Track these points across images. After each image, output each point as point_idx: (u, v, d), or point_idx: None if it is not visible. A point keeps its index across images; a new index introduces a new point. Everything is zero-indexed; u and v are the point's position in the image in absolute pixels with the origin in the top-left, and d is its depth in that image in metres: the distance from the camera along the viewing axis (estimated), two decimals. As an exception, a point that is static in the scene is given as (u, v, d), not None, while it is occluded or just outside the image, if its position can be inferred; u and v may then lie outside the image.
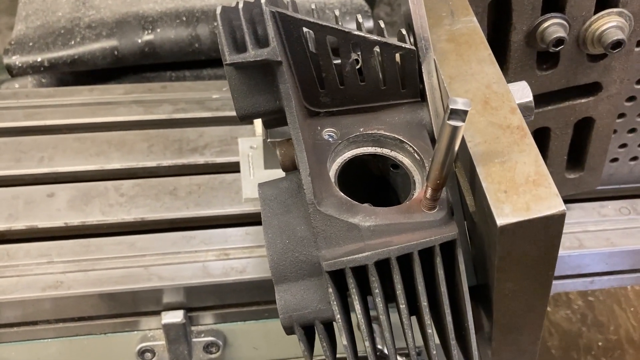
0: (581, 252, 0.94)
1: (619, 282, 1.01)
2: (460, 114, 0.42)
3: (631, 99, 0.86)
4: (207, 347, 0.92)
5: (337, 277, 0.50)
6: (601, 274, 0.99)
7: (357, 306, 0.49)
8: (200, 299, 0.88)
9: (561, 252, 0.95)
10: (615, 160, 0.95)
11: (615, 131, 0.90)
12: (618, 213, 0.98)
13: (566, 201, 0.97)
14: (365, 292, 0.53)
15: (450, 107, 0.42)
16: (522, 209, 0.44)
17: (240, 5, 0.49)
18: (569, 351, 1.90)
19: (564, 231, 0.96)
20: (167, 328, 0.88)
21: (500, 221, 0.43)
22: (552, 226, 0.44)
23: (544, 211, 0.43)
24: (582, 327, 1.97)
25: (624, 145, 0.93)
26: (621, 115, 0.88)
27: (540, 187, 0.44)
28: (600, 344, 1.92)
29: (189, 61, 1.34)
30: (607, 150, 0.86)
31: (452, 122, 0.42)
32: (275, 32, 0.48)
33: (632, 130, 0.91)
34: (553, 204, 0.44)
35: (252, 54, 0.48)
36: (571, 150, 0.86)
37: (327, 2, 1.42)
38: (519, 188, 0.45)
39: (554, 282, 0.98)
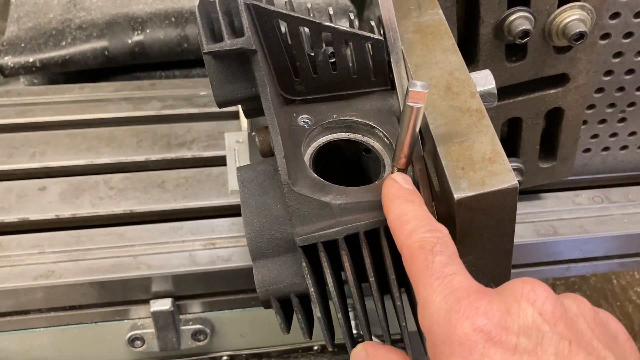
0: (556, 239, 0.97)
1: (593, 269, 1.04)
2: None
3: (600, 90, 0.89)
4: (195, 335, 0.95)
5: (310, 252, 0.53)
6: (576, 261, 1.02)
7: (329, 278, 0.52)
8: (188, 287, 0.91)
9: (537, 239, 0.99)
10: (587, 150, 0.99)
11: (586, 122, 0.94)
12: (591, 202, 1.02)
13: (541, 190, 1.02)
14: (338, 269, 0.56)
15: (410, 89, 0.45)
16: (477, 184, 0.47)
17: (217, 0, 0.52)
18: (556, 345, 1.93)
19: (539, 219, 1.00)
20: (156, 316, 0.91)
21: (457, 195, 0.47)
22: (506, 199, 0.48)
23: (498, 185, 0.47)
24: (569, 322, 2.00)
25: (595, 136, 0.97)
26: (591, 107, 0.92)
27: (495, 164, 0.48)
28: (587, 338, 1.95)
29: (178, 61, 1.37)
30: (577, 140, 0.89)
31: (412, 104, 0.46)
32: (250, 23, 0.52)
33: (603, 121, 0.94)
34: (506, 178, 0.47)
35: (228, 43, 0.51)
36: (544, 140, 0.89)
37: (313, 2, 1.45)
38: (476, 165, 0.48)
39: (531, 268, 1.02)
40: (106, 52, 1.31)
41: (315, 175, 0.55)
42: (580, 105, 0.84)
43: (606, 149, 0.99)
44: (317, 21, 0.54)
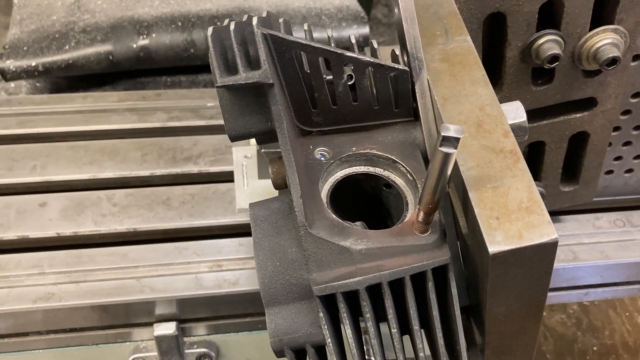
0: (575, 264, 0.93)
1: (613, 294, 1.01)
2: (452, 141, 0.42)
3: (626, 112, 0.86)
4: (200, 358, 0.92)
5: (329, 301, 0.49)
6: (595, 286, 0.98)
7: (348, 331, 0.48)
8: (193, 311, 0.88)
9: (555, 264, 0.95)
10: (610, 172, 0.95)
11: (610, 144, 0.90)
12: (613, 225, 0.98)
13: (560, 213, 0.98)
14: (357, 313, 0.53)
15: (442, 134, 0.42)
16: (514, 237, 0.43)
17: (232, 27, 0.48)
18: (563, 356, 1.90)
19: (559, 243, 0.96)
20: (160, 340, 0.87)
21: (492, 249, 0.43)
22: (544, 254, 0.44)
23: (536, 239, 0.43)
24: (577, 332, 1.97)
25: (619, 158, 0.93)
26: (616, 129, 0.88)
27: (533, 214, 0.44)
28: (595, 348, 1.92)
29: (185, 66, 1.34)
30: (602, 164, 0.86)
31: (444, 149, 0.42)
32: (267, 54, 0.48)
33: (628, 143, 0.91)
34: (545, 231, 0.43)
35: (244, 76, 0.47)
36: (566, 164, 0.85)
37: (324, 8, 1.41)
38: (512, 215, 0.44)
39: (549, 294, 0.99)
40: (110, 57, 1.28)
41: (334, 216, 0.51)
42: (606, 130, 0.81)
43: (630, 170, 0.95)
44: (339, 52, 0.50)
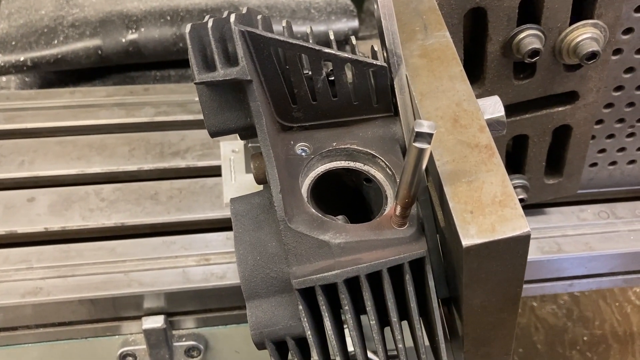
0: (560, 256, 0.95)
1: (597, 285, 1.02)
2: (426, 137, 0.42)
3: (609, 105, 0.86)
4: (189, 351, 0.93)
5: (308, 294, 0.50)
6: (580, 277, 1.00)
7: (327, 324, 0.49)
8: (181, 304, 0.89)
9: (540, 256, 0.96)
10: (594, 165, 0.96)
11: (593, 137, 0.91)
12: (597, 217, 0.99)
13: (545, 205, 0.99)
14: (338, 306, 0.53)
15: (416, 130, 0.42)
16: (487, 230, 0.44)
17: (210, 24, 0.49)
18: (554, 346, 1.92)
19: (543, 235, 0.97)
20: (148, 333, 0.88)
21: (465, 242, 0.44)
22: (517, 247, 0.45)
23: (509, 232, 0.44)
24: (567, 322, 1.99)
25: (602, 151, 0.94)
26: (599, 122, 0.89)
27: (506, 208, 0.45)
28: (585, 338, 1.94)
29: (174, 60, 1.34)
30: (585, 157, 0.86)
31: (418, 145, 0.43)
32: (245, 51, 0.48)
33: (611, 136, 0.91)
34: (518, 225, 0.44)
35: (221, 73, 0.48)
36: (550, 157, 0.86)
37: (313, 1, 1.42)
38: (485, 209, 0.45)
39: (534, 285, 1.00)
40: (99, 52, 1.27)
41: (313, 211, 0.52)
42: (589, 123, 0.81)
43: (613, 163, 0.96)
44: (317, 48, 0.50)
